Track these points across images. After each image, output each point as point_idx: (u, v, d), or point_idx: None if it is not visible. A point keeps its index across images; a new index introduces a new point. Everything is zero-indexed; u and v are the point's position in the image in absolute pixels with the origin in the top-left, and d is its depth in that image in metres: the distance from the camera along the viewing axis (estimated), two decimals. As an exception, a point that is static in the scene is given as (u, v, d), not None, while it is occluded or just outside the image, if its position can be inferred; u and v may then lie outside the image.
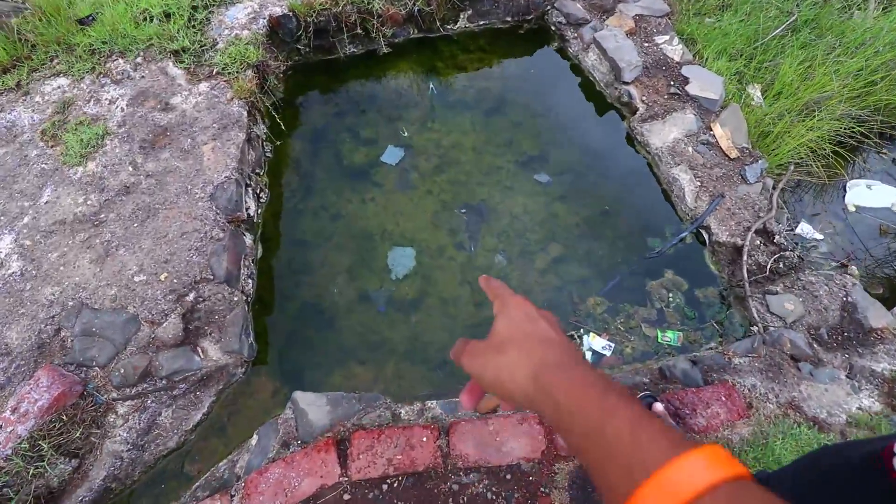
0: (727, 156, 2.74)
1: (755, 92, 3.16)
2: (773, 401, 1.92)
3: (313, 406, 1.97)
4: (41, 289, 2.23)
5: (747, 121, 2.92)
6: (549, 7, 3.45)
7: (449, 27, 3.48)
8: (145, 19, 3.03)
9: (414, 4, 3.20)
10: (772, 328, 2.18)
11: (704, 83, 2.99)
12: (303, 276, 2.75)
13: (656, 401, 1.82)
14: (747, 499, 0.32)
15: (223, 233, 2.34)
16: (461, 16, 3.44)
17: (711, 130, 2.82)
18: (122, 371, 2.07)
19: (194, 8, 3.06)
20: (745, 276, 2.34)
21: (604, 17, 3.33)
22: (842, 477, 0.81)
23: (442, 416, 1.92)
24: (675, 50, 3.14)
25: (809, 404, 1.93)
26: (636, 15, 3.30)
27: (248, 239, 2.58)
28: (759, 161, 2.73)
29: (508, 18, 3.53)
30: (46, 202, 2.45)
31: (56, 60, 2.96)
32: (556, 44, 3.56)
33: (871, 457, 0.74)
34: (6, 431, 1.88)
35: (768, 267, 2.38)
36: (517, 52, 3.59)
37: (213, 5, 3.11)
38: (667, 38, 3.20)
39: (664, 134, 2.83)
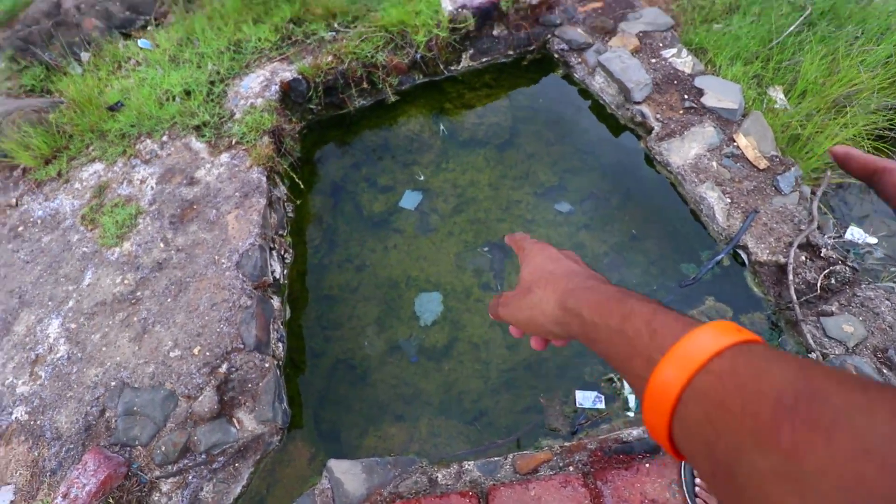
0: (756, 167, 2.60)
1: (777, 94, 3.01)
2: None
3: (348, 474, 1.93)
4: (86, 370, 2.32)
5: (772, 126, 2.78)
6: (549, 36, 3.44)
7: (453, 68, 3.53)
8: (168, 99, 3.22)
9: (416, 52, 3.26)
10: (832, 356, 2.00)
11: (721, 93, 2.88)
12: (332, 332, 2.76)
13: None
14: (757, 355, 0.33)
15: (250, 300, 2.39)
16: (463, 56, 3.48)
17: (735, 142, 2.69)
18: (163, 448, 2.11)
19: (211, 83, 3.23)
20: (794, 297, 2.18)
21: (606, 38, 3.29)
22: None
23: (480, 479, 1.85)
24: (684, 62, 3.06)
25: (885, 437, 1.74)
26: (639, 32, 3.24)
27: (276, 302, 2.62)
28: (792, 168, 2.57)
29: (510, 52, 3.55)
30: (88, 285, 2.58)
31: (91, 147, 3.17)
32: (561, 71, 3.54)
33: None
34: (58, 520, 1.93)
35: (818, 284, 2.21)
36: (523, 84, 3.59)
37: (228, 78, 3.27)
38: (674, 51, 3.12)
39: (684, 151, 2.72)
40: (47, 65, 3.79)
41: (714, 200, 2.53)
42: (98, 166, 3.06)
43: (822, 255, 2.30)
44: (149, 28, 3.94)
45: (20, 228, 2.92)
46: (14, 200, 3.08)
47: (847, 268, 2.24)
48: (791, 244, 2.30)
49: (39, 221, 2.92)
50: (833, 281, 2.22)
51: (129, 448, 2.14)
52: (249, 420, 2.20)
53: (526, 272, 0.58)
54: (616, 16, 3.39)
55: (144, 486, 2.09)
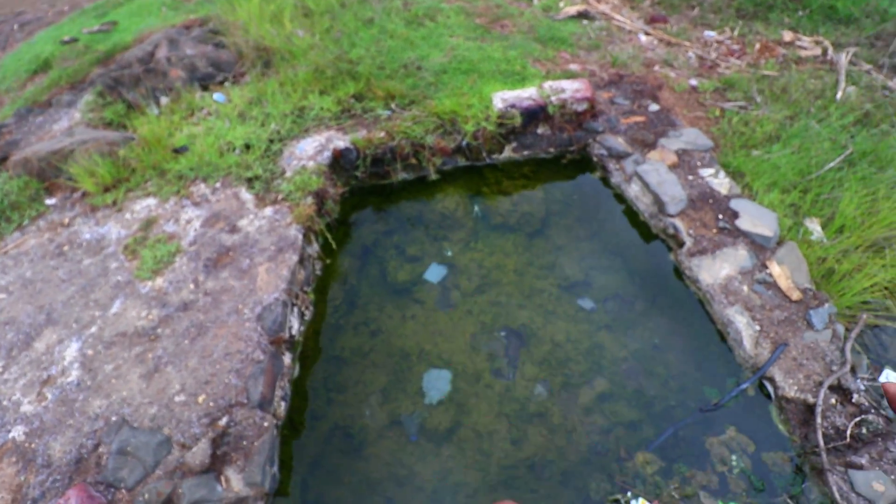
0: (788, 297, 2.56)
1: (814, 226, 3.03)
2: None
3: (327, 562, 1.81)
4: (91, 400, 2.33)
5: (807, 258, 2.77)
6: (590, 140, 3.62)
7: (494, 157, 3.72)
8: (229, 150, 3.48)
9: (463, 139, 3.47)
10: (861, 516, 1.84)
11: (756, 218, 2.91)
12: (336, 395, 2.72)
13: None
14: None
15: (264, 355, 2.41)
16: (506, 147, 3.68)
17: (768, 269, 2.68)
18: (146, 496, 2.05)
19: (270, 141, 3.49)
20: (821, 442, 2.04)
21: (645, 150, 3.44)
22: None
23: None
24: (721, 183, 3.14)
25: None
26: (679, 149, 3.38)
27: (287, 358, 2.63)
28: (826, 304, 2.52)
29: (551, 150, 3.73)
30: (114, 313, 2.66)
31: (149, 183, 3.40)
32: (598, 174, 3.68)
33: None
34: (25, 558, 1.86)
35: (848, 432, 2.08)
36: (560, 179, 3.73)
37: (287, 139, 3.53)
38: (712, 171, 3.22)
39: (715, 270, 2.72)
40: (129, 103, 4.19)
41: (742, 326, 2.48)
42: (151, 201, 3.26)
43: (853, 400, 2.18)
44: (226, 84, 4.36)
45: (65, 247, 3.09)
46: (67, 220, 3.28)
47: (880, 418, 2.11)
48: (821, 384, 2.20)
49: (85, 244, 3.08)
50: (864, 430, 2.09)
51: (113, 489, 2.08)
52: (237, 480, 2.13)
53: None
54: (657, 131, 3.56)
55: (118, 535, 2.00)
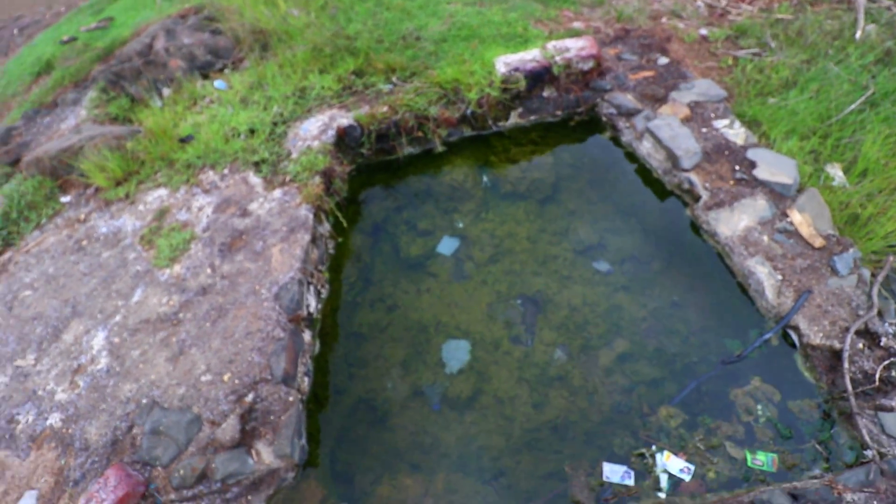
0: (811, 245, 2.49)
1: (836, 172, 2.92)
2: (908, 555, 1.54)
3: (359, 525, 1.86)
4: (122, 385, 2.40)
5: (829, 204, 2.68)
6: (598, 100, 3.52)
7: (501, 124, 3.65)
8: (234, 135, 3.47)
9: (467, 108, 3.41)
10: (890, 455, 1.81)
11: (774, 166, 2.82)
12: (358, 370, 2.76)
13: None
14: None
15: (284, 332, 2.44)
16: (512, 114, 3.60)
17: (788, 217, 2.60)
18: (181, 472, 2.12)
19: (274, 124, 3.47)
20: (849, 387, 2.01)
21: (656, 105, 3.33)
22: None
23: (495, 548, 1.74)
24: (737, 133, 3.04)
25: (961, 565, 1.53)
26: (691, 102, 3.27)
27: (307, 336, 2.66)
28: (851, 249, 2.45)
29: (559, 112, 3.64)
30: (136, 302, 2.72)
31: (159, 174, 3.43)
32: (608, 134, 3.59)
33: None
34: (73, 534, 1.94)
35: (877, 376, 2.04)
36: (569, 143, 3.65)
37: (290, 120, 3.51)
38: (726, 122, 3.11)
39: (733, 222, 2.65)
40: (132, 97, 4.20)
41: (764, 276, 2.43)
42: (162, 192, 3.29)
43: (881, 344, 2.13)
44: (225, 71, 4.33)
45: (84, 242, 3.15)
46: (83, 216, 3.34)
47: (913, 362, 2.06)
48: (847, 330, 2.15)
49: (102, 237, 3.14)
50: (894, 373, 2.05)
51: (149, 467, 2.16)
52: (267, 453, 2.19)
53: None
54: (667, 85, 3.45)
55: (158, 509, 2.09)
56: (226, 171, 3.28)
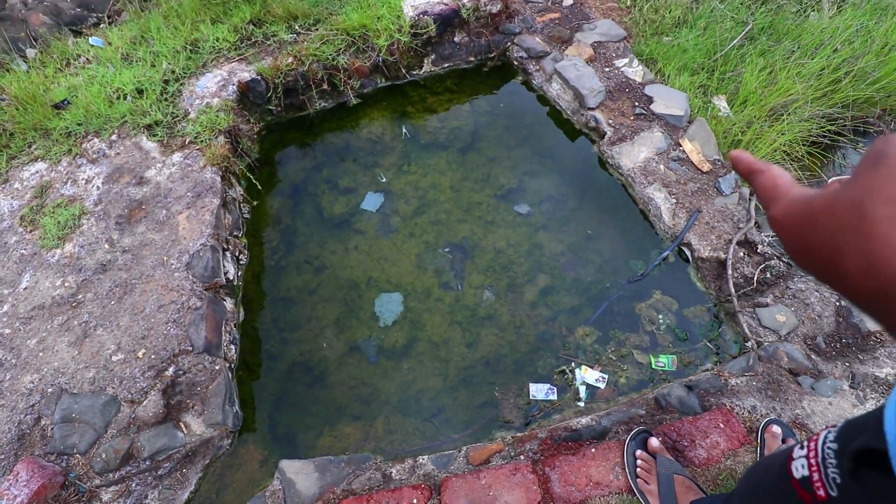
0: (700, 170, 2.74)
1: (721, 103, 3.19)
2: (776, 420, 1.83)
3: (301, 474, 1.89)
4: (21, 377, 2.19)
5: (715, 132, 2.94)
6: (509, 44, 3.54)
7: (415, 73, 3.57)
8: (119, 97, 3.12)
9: (378, 56, 3.29)
10: (766, 343, 2.11)
11: (669, 101, 3.03)
12: (290, 334, 2.71)
13: (651, 435, 1.74)
14: None
15: (200, 301, 2.32)
16: (425, 61, 3.53)
17: (681, 146, 2.83)
18: (103, 456, 2.01)
19: (166, 82, 3.15)
20: (733, 290, 2.29)
21: (563, 47, 3.41)
22: (762, 487, 0.81)
23: (434, 472, 1.84)
24: (635, 71, 3.20)
25: (815, 420, 1.84)
26: (594, 42, 3.37)
27: (229, 304, 2.56)
28: (732, 172, 2.72)
29: (472, 58, 3.62)
30: (25, 288, 2.45)
31: (34, 146, 3.03)
32: (520, 78, 3.63)
33: (783, 464, 0.72)
34: (-16, 535, 1.81)
35: (755, 278, 2.33)
36: (484, 89, 3.66)
37: (184, 77, 3.20)
38: (626, 60, 3.26)
39: (634, 155, 2.84)
40: (-11, 61, 3.61)
41: (661, 201, 2.64)
42: (40, 166, 2.92)
43: (758, 251, 2.43)
44: (101, 26, 3.82)
45: (-48, 230, 2.75)
46: (-53, 201, 2.90)
47: (781, 262, 2.37)
48: (730, 241, 2.43)
49: (-26, 222, 2.76)
50: (769, 275, 2.36)
51: (66, 457, 2.03)
52: (198, 424, 2.13)
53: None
54: (572, 26, 3.52)
55: (83, 495, 1.98)
56: (114, 137, 2.96)
